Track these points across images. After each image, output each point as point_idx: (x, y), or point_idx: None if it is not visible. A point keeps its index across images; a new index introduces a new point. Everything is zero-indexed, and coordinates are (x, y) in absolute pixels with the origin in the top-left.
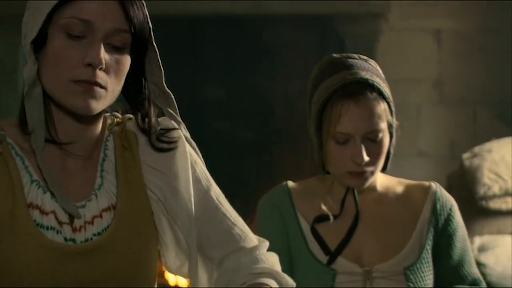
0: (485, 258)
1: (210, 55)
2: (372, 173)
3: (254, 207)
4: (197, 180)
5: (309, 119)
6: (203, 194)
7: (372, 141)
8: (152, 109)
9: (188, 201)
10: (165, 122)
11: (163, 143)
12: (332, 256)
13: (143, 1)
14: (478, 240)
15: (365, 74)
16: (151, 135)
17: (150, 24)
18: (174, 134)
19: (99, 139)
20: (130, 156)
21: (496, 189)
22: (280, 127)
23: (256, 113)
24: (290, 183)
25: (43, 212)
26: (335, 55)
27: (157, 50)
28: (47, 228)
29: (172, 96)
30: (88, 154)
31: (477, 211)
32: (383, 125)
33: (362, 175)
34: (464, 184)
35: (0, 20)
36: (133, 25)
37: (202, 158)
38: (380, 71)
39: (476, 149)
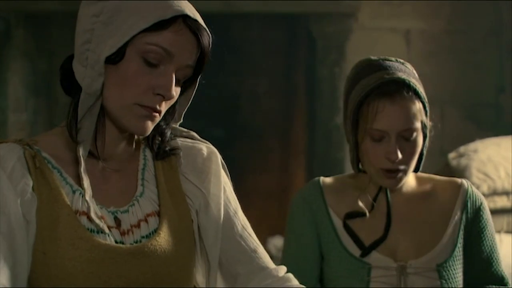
0: None
1: None
2: (405, 172)
3: None
4: (227, 201)
5: (345, 118)
6: (232, 214)
7: (406, 139)
8: (168, 131)
9: (217, 218)
10: (196, 143)
11: (164, 153)
12: (366, 249)
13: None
14: None
15: (402, 75)
16: (160, 151)
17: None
18: (201, 149)
19: (134, 150)
20: (168, 166)
21: (484, 188)
22: (246, 124)
23: (223, 110)
24: (323, 179)
25: (91, 218)
26: (372, 57)
27: (197, 84)
28: (97, 232)
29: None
30: (124, 165)
31: None
32: (418, 125)
33: (395, 174)
34: None
35: None
36: (200, 64)
37: (229, 178)
38: (416, 74)
39: (462, 149)
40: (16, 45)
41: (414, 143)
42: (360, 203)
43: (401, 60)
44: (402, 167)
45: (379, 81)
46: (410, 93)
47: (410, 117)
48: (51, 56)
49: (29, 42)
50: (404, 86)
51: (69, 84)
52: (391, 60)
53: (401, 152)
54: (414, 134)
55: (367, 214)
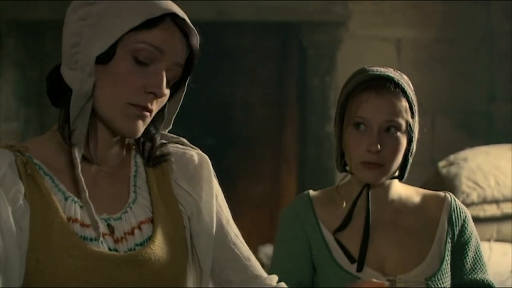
0: None
1: None
2: (386, 170)
3: None
4: (219, 209)
5: (335, 116)
6: (225, 222)
7: (389, 134)
8: (158, 137)
9: (210, 224)
10: (187, 149)
11: (155, 159)
12: (359, 264)
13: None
14: None
15: (392, 74)
16: (150, 157)
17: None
18: (193, 156)
19: (125, 156)
20: (160, 173)
21: (474, 197)
22: (238, 132)
23: (215, 119)
24: (312, 192)
25: (83, 225)
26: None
27: (185, 87)
28: (90, 240)
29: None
30: (116, 170)
31: None
32: (401, 122)
33: (375, 168)
34: None
35: None
36: (190, 64)
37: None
38: (411, 85)
39: (452, 157)
40: (7, 54)
41: (396, 140)
42: (346, 208)
43: (398, 72)
44: (382, 161)
45: (368, 77)
46: (398, 90)
47: (394, 111)
48: (43, 65)
49: (20, 51)
50: (392, 83)
51: (57, 94)
52: (386, 68)
53: (382, 146)
54: (397, 130)
55: (349, 221)
